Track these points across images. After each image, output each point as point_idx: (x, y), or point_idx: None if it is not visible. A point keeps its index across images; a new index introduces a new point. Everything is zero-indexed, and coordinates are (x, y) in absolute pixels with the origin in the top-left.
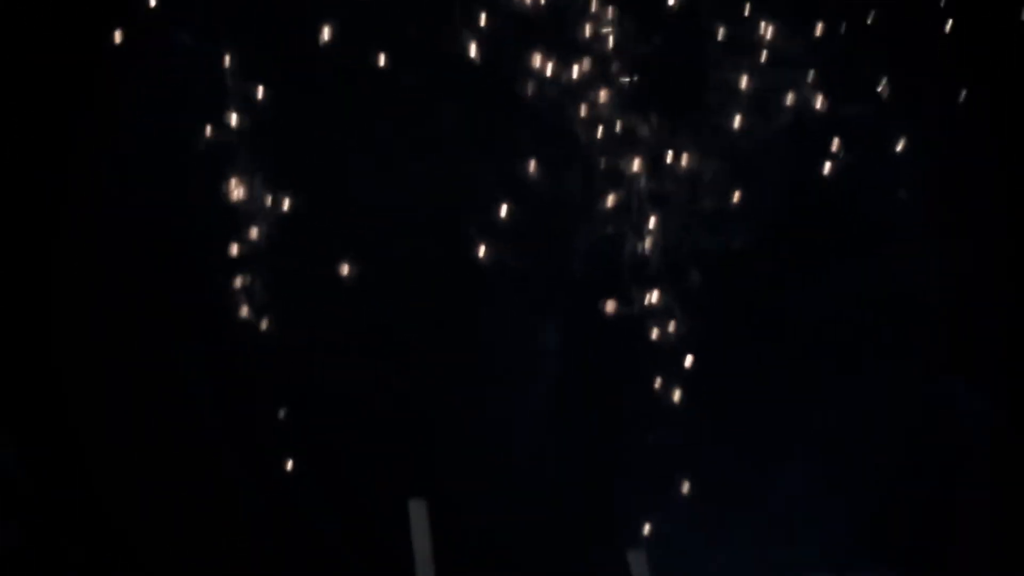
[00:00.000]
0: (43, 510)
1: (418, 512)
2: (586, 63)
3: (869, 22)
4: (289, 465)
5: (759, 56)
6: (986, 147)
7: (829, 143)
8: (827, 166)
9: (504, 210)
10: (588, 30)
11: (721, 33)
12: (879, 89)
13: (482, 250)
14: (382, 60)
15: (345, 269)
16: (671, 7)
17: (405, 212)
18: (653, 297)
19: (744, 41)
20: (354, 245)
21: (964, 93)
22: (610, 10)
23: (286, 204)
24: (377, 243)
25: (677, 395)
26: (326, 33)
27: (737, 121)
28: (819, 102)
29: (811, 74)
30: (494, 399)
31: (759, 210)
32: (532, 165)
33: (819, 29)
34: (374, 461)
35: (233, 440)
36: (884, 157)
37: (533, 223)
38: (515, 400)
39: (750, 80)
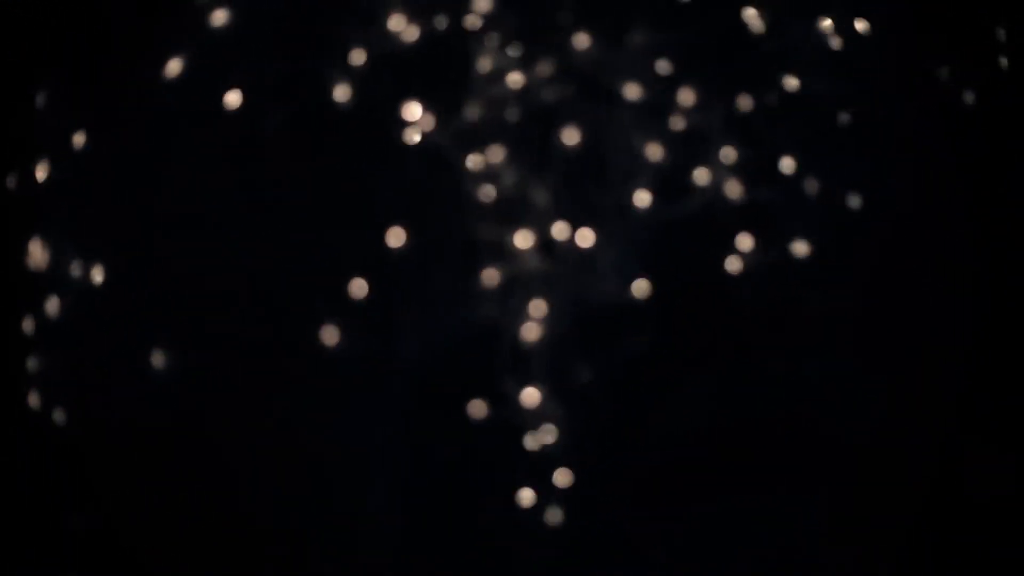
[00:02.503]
0: None
1: None
2: (475, 110)
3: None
4: None
5: (672, 125)
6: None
7: (738, 234)
8: (734, 262)
9: (359, 286)
10: (485, 69)
11: (633, 94)
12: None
13: (330, 335)
14: (234, 101)
15: (159, 358)
16: (582, 54)
17: (241, 290)
18: (530, 397)
19: (657, 106)
20: (173, 328)
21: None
22: (513, 48)
23: (98, 275)
24: (202, 327)
25: (554, 514)
26: (170, 68)
27: (641, 199)
28: (734, 186)
29: (729, 152)
30: (330, 507)
31: (661, 304)
32: (398, 233)
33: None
34: None
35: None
36: (795, 256)
37: (393, 302)
38: (352, 508)
39: (661, 153)
